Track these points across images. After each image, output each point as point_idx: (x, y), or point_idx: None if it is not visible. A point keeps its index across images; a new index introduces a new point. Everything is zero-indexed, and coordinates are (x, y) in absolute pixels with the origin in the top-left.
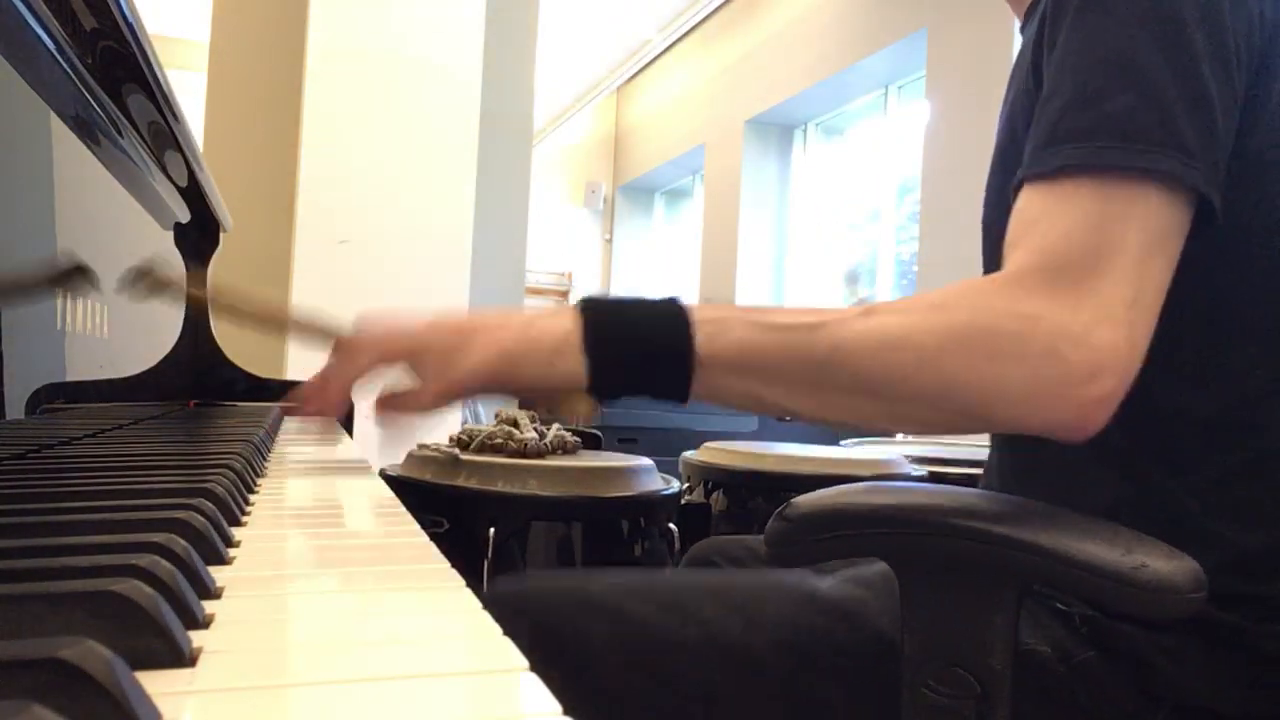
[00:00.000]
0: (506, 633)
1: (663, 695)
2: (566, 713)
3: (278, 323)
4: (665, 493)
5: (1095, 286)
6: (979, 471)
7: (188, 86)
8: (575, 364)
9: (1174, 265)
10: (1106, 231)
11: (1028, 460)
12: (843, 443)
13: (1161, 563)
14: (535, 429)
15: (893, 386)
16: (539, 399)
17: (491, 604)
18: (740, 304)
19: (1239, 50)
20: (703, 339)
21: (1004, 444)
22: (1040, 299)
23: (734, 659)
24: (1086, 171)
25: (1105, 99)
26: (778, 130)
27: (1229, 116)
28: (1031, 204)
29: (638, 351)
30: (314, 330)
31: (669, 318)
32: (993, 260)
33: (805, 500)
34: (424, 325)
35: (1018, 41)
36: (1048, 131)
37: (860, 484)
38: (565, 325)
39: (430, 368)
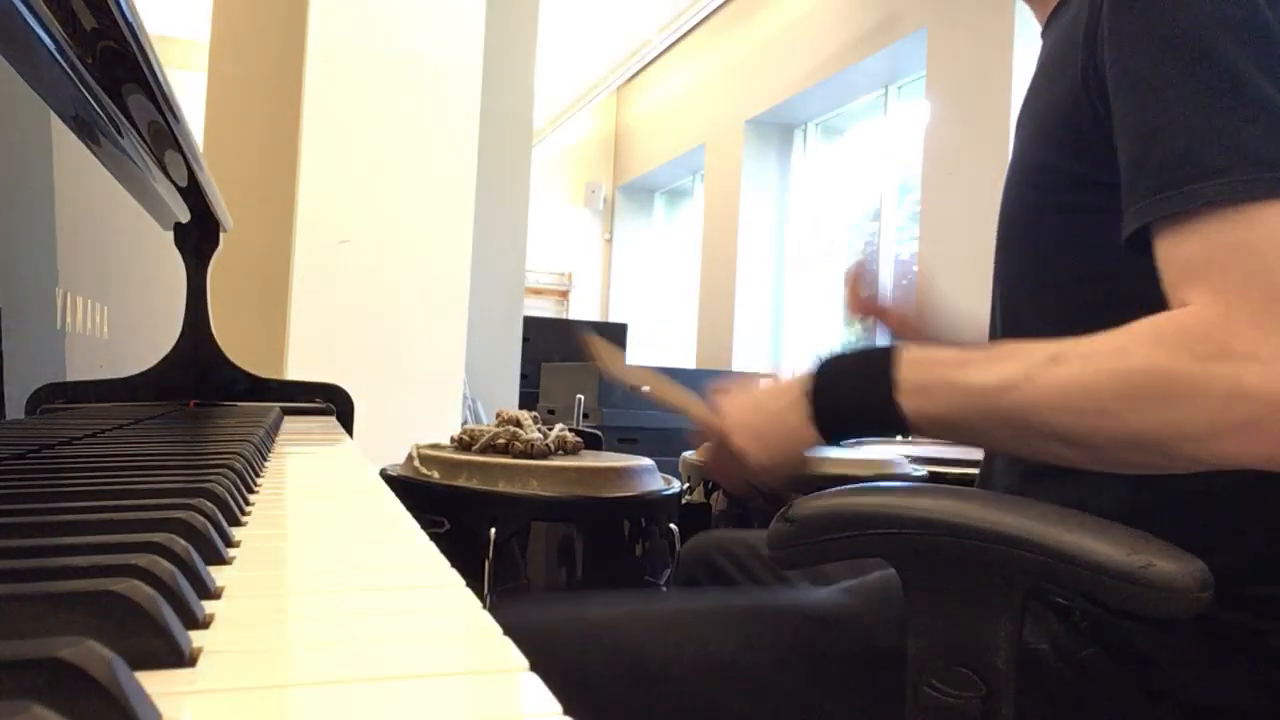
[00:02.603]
0: None
1: (660, 715)
2: None
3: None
4: (665, 493)
5: (1277, 314)
6: (979, 471)
7: (188, 86)
8: (812, 439)
9: None
10: (1274, 260)
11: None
12: (843, 443)
13: (1168, 563)
14: (538, 429)
15: (1085, 438)
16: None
17: None
18: (939, 353)
19: None
20: (911, 408)
21: None
22: (1225, 333)
23: (733, 678)
24: (1234, 205)
25: (1231, 130)
26: (778, 130)
27: None
28: (1182, 245)
29: (858, 429)
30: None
31: (879, 395)
32: (1010, 272)
33: (808, 502)
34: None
35: (1018, 41)
36: (1171, 167)
37: (863, 484)
38: (797, 418)
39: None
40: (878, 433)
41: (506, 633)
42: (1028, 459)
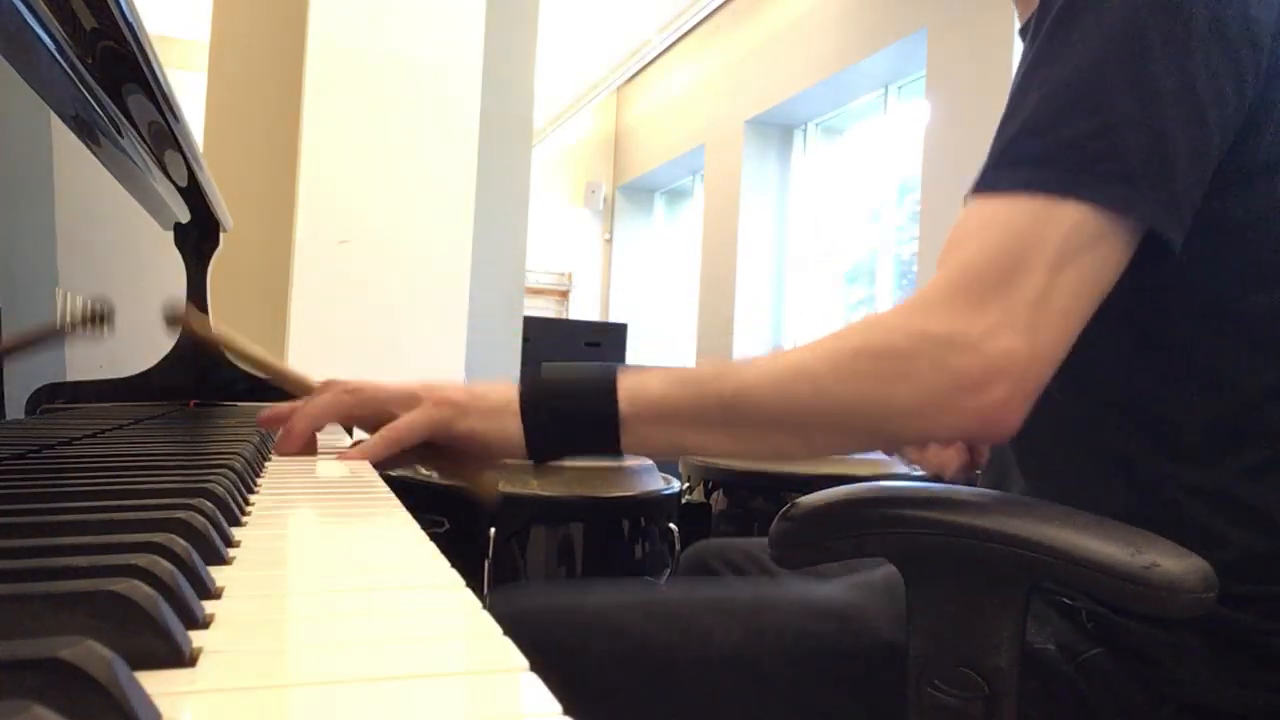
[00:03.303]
0: None
1: (664, 709)
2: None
3: (270, 371)
4: (665, 493)
5: (1000, 295)
6: (978, 471)
7: (188, 86)
8: (513, 425)
9: (1099, 283)
10: (1024, 248)
11: (1035, 463)
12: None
13: (1172, 562)
14: None
15: (795, 417)
16: (452, 462)
17: None
18: (662, 367)
19: (1216, 75)
20: (625, 399)
21: (1011, 444)
22: (939, 313)
23: (735, 669)
24: (1025, 192)
25: (1060, 126)
26: (778, 130)
27: (1197, 147)
28: (967, 220)
29: (568, 415)
30: (298, 384)
31: (595, 383)
32: None
33: (810, 501)
34: (389, 390)
35: (1018, 41)
36: (1001, 150)
37: (865, 484)
38: (509, 393)
39: (384, 423)
40: (589, 436)
41: (508, 617)
42: (744, 458)
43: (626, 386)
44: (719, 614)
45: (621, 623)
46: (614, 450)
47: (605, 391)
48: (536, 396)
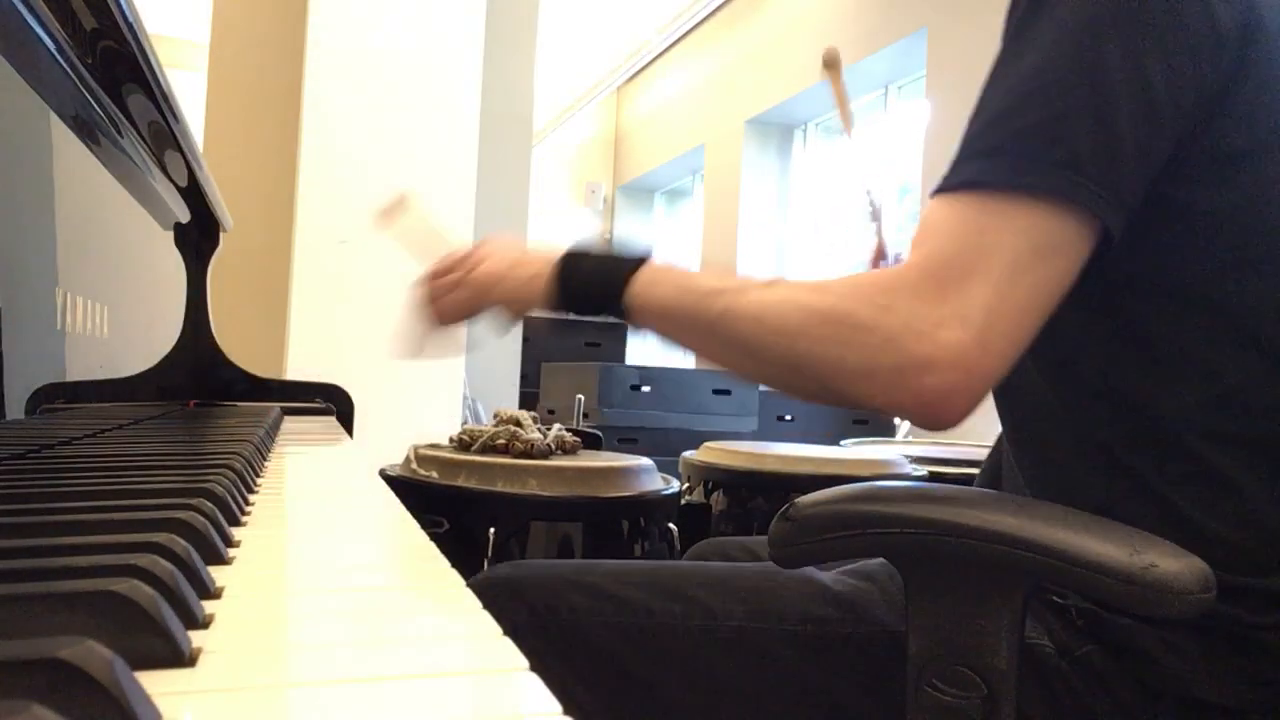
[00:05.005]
0: (503, 614)
1: (664, 680)
2: (565, 700)
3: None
4: (665, 493)
5: (959, 289)
6: (978, 471)
7: (188, 86)
8: (542, 290)
9: (1062, 280)
10: (983, 242)
11: (1024, 458)
12: (843, 443)
13: (1170, 563)
14: (538, 429)
15: (760, 352)
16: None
17: (489, 587)
18: (697, 267)
19: (1173, 70)
20: (634, 293)
21: (1007, 438)
22: (905, 294)
23: (737, 647)
24: (979, 188)
25: (1013, 119)
26: (778, 130)
27: (1144, 142)
28: (931, 213)
29: (584, 296)
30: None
31: (616, 273)
32: None
33: (809, 501)
34: (461, 258)
35: None
36: (962, 146)
37: (864, 484)
38: (548, 260)
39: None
40: (597, 305)
41: (511, 584)
42: (708, 360)
43: (641, 280)
44: (723, 592)
45: (625, 595)
46: (621, 322)
47: (615, 286)
48: (566, 276)
